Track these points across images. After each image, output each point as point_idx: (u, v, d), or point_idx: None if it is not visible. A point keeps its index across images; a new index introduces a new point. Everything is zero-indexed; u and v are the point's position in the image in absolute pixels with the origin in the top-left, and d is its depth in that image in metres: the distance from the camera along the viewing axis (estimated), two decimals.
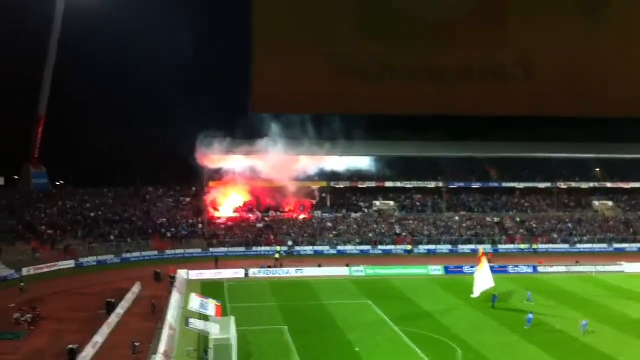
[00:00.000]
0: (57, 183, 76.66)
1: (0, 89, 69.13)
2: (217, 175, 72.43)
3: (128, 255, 59.25)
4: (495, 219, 73.43)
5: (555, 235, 70.40)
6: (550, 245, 68.18)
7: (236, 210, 71.61)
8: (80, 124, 78.50)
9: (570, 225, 72.78)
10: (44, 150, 69.90)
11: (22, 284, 44.86)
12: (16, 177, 71.85)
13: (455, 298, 44.11)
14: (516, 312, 39.29)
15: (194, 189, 74.12)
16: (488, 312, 39.62)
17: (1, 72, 67.92)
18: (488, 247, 66.25)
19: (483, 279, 41.39)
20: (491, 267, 48.47)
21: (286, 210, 72.68)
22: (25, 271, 50.25)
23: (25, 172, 70.35)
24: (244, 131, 68.74)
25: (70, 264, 54.91)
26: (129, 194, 72.63)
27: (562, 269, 54.52)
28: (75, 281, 48.94)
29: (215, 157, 70.70)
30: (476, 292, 41.35)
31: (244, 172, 71.93)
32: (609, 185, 79.01)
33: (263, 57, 4.43)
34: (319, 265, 53.45)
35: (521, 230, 71.39)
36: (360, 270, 52.93)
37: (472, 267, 53.59)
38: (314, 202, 74.21)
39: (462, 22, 4.49)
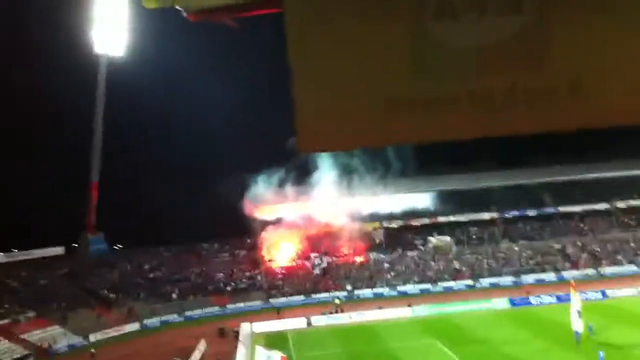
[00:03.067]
0: (115, 247, 78.05)
1: (53, 159, 71.51)
2: (270, 224, 72.81)
3: (190, 312, 59.62)
4: (556, 246, 71.70)
5: (620, 257, 68.24)
6: (616, 267, 66.04)
7: (292, 259, 71.70)
8: (132, 186, 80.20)
9: (633, 245, 70.54)
10: (99, 216, 71.49)
11: (92, 350, 45.45)
12: (75, 244, 73.46)
13: (525, 331, 42.85)
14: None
15: (248, 240, 74.57)
16: (563, 346, 37.93)
17: (53, 144, 70.36)
18: (552, 276, 64.72)
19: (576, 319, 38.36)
20: (557, 296, 47.14)
21: (342, 254, 72.44)
22: (92, 337, 50.96)
23: (83, 239, 71.86)
24: (293, 176, 69.36)
25: (135, 326, 55.51)
26: (185, 252, 73.47)
27: (632, 291, 52.64)
28: (142, 343, 49.33)
29: (267, 206, 71.26)
30: (577, 327, 38.26)
31: (297, 219, 72.21)
32: None
33: (305, 95, 4.45)
34: (380, 308, 52.85)
35: (584, 255, 69.44)
36: (422, 310, 52.08)
37: (537, 297, 52.36)
38: (371, 243, 73.81)
39: (503, 45, 4.46)
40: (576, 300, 37.70)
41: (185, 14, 4.87)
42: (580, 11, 4.31)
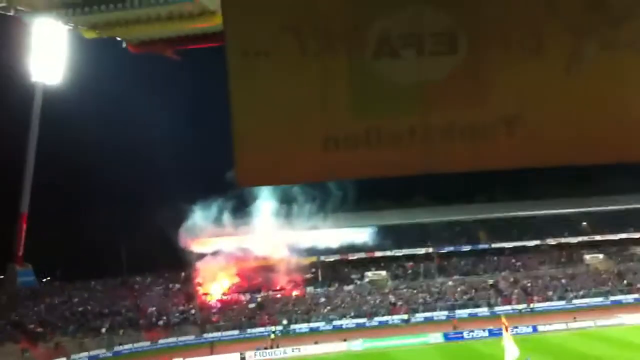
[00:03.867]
0: (44, 279, 75.53)
1: None
2: (206, 258, 71.79)
3: (120, 347, 57.86)
4: (489, 281, 72.99)
5: (551, 293, 69.92)
6: (547, 303, 67.61)
7: (227, 292, 70.80)
8: (63, 217, 78.10)
9: (564, 281, 72.44)
10: (28, 248, 69.16)
11: None
12: (1, 276, 70.79)
13: None
14: None
15: (183, 273, 73.36)
16: None
17: None
18: (485, 310, 65.74)
19: (510, 347, 39.09)
20: (489, 330, 47.85)
21: (278, 288, 71.96)
22: None
23: (10, 271, 69.32)
24: (230, 209, 68.91)
25: None
26: (117, 285, 71.72)
27: (562, 326, 53.90)
28: None
29: (203, 239, 70.41)
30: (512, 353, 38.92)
31: (233, 252, 71.49)
32: (597, 238, 78.94)
33: (244, 129, 4.41)
34: (316, 342, 52.51)
35: (516, 290, 70.85)
36: (357, 345, 52.00)
37: (471, 331, 53.02)
38: (306, 277, 73.60)
39: (441, 85, 4.54)
40: (510, 342, 38.22)
41: (125, 45, 4.81)
42: (514, 52, 4.43)
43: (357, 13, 4.40)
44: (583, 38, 4.45)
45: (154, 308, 66.40)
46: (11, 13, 33.17)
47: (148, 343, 59.54)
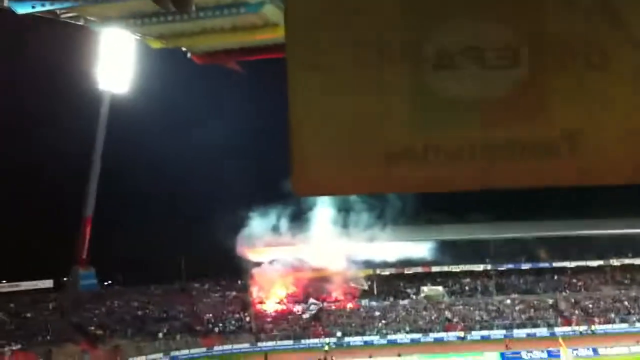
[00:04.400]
0: (106, 283, 77.35)
1: (47, 191, 71.32)
2: (262, 266, 72.29)
3: (177, 352, 58.78)
4: (549, 301, 71.30)
5: (613, 315, 67.82)
6: (609, 326, 65.58)
7: (282, 302, 71.10)
8: (126, 222, 79.86)
9: (627, 303, 70.19)
10: (91, 251, 70.99)
11: None
12: (65, 278, 72.78)
13: None
14: None
15: (239, 282, 74.05)
16: None
17: (48, 175, 70.25)
18: (544, 331, 64.27)
19: None
20: (549, 352, 46.63)
21: (333, 299, 71.90)
22: None
23: (73, 273, 71.23)
24: (288, 219, 69.46)
25: None
26: (176, 291, 72.89)
27: (624, 350, 52.23)
28: None
29: (260, 248, 70.96)
30: None
31: (289, 262, 71.81)
32: None
33: (302, 140, 4.44)
34: (370, 357, 52.22)
35: (576, 311, 68.99)
36: (413, 359, 51.49)
37: (529, 352, 51.92)
38: (361, 289, 73.31)
39: (503, 99, 4.47)
40: (567, 357, 37.13)
41: (190, 56, 4.92)
42: (577, 67, 4.34)
43: (417, 26, 4.39)
44: None
45: (210, 315, 67.21)
46: (81, 22, 34.32)
47: (204, 349, 60.28)
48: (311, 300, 70.55)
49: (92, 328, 60.79)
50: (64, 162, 69.80)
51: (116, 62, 55.55)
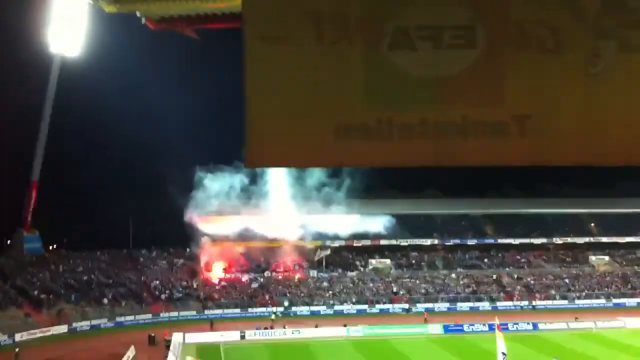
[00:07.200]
0: (51, 247, 76.03)
1: None
2: (211, 235, 71.95)
3: (122, 319, 58.34)
4: (493, 276, 72.99)
5: (554, 292, 69.84)
6: (549, 302, 67.59)
7: (231, 271, 71.08)
8: (73, 187, 78.44)
9: (567, 280, 72.36)
10: (37, 215, 69.58)
11: (16, 349, 43.94)
12: (9, 241, 71.31)
13: (458, 358, 43.36)
14: None
15: (188, 250, 73.68)
16: None
17: None
18: (487, 305, 65.87)
19: (500, 345, 37.93)
20: (489, 325, 47.68)
21: (281, 270, 72.22)
22: (18, 337, 49.26)
23: (18, 236, 69.78)
24: (239, 189, 69.24)
25: (63, 328, 53.93)
26: (123, 257, 72.18)
27: (563, 325, 53.85)
28: (69, 346, 47.90)
29: (211, 217, 70.58)
30: None
31: (239, 232, 71.66)
32: (604, 240, 78.68)
33: (256, 111, 4.42)
34: (316, 326, 52.73)
35: (519, 287, 70.82)
36: (358, 330, 52.15)
37: (471, 325, 53.08)
38: (312, 261, 73.79)
39: (456, 79, 4.52)
40: (501, 341, 37.76)
41: (144, 21, 4.80)
42: (532, 51, 4.41)
43: (375, 4, 4.39)
44: (601, 39, 4.42)
45: (157, 282, 66.82)
46: None
47: (150, 316, 59.96)
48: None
49: (36, 292, 59.81)
50: (11, 125, 67.93)
51: (68, 25, 54.03)
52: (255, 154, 4.54)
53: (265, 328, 52.71)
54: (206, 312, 61.97)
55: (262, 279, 69.89)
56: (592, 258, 78.10)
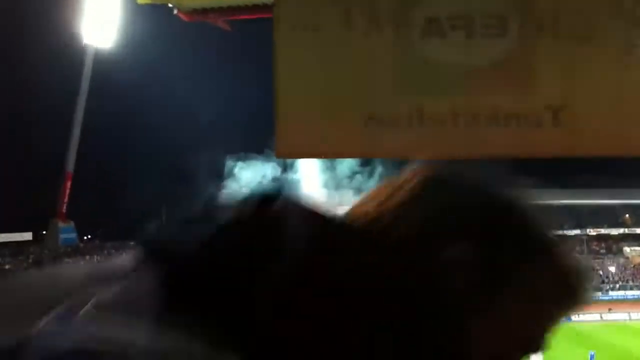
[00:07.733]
0: (85, 237, 77.20)
1: (28, 145, 70.61)
2: None
3: None
4: None
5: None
6: None
7: None
8: (108, 179, 79.59)
9: (601, 272, 71.48)
10: (71, 205, 70.68)
11: None
12: (44, 232, 72.54)
13: None
14: None
15: None
16: None
17: (30, 129, 69.50)
18: None
19: None
20: None
21: None
22: None
23: (52, 227, 70.92)
24: (269, 178, 69.58)
25: None
26: None
27: (596, 317, 53.29)
28: None
29: None
30: None
31: None
32: (639, 231, 77.52)
33: (286, 101, 4.42)
34: None
35: None
36: None
37: None
38: None
39: (489, 68, 4.46)
40: None
41: (177, 12, 4.82)
42: (566, 40, 4.34)
43: None
44: (637, 28, 4.33)
45: None
46: None
47: None
48: None
49: None
50: (46, 117, 69.11)
51: (101, 17, 54.70)
52: (285, 145, 4.54)
53: None
54: None
55: None
56: (627, 249, 77.00)
